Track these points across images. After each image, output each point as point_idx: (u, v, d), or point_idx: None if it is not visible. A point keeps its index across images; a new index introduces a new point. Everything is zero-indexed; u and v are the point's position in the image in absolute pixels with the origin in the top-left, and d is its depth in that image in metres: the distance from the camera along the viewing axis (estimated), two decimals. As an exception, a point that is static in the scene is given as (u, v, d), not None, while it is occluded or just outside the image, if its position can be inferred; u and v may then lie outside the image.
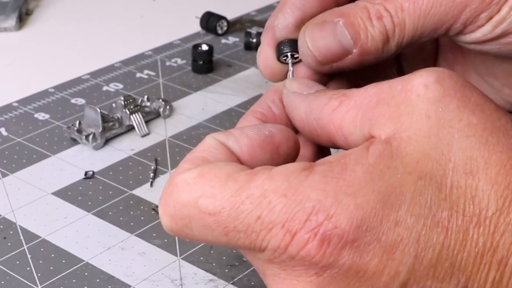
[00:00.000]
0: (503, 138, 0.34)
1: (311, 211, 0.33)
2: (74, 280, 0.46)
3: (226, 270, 0.47)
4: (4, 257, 0.47)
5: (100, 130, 0.57)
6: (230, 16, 0.75)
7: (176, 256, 0.48)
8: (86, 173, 0.55)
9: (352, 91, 0.37)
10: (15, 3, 0.77)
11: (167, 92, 0.65)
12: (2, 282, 0.46)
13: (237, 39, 0.74)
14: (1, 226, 0.50)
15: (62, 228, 0.50)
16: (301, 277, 0.34)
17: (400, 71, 0.48)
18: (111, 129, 0.58)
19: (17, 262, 0.47)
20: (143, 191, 0.53)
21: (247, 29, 0.74)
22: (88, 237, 0.49)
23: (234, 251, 0.48)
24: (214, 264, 0.47)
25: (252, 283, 0.46)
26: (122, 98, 0.59)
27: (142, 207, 0.52)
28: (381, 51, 0.40)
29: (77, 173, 0.55)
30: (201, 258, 0.48)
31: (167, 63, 0.69)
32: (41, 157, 0.56)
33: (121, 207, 0.52)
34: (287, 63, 0.43)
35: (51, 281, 0.46)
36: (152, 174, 0.55)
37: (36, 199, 0.52)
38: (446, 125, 0.34)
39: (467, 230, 0.33)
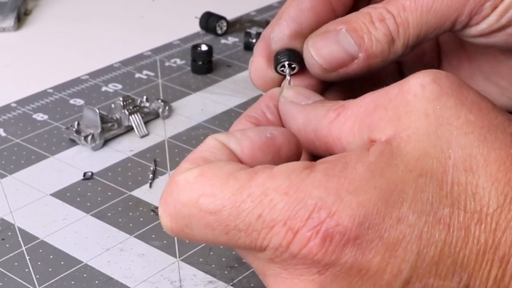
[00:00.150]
0: (501, 135, 0.34)
1: (313, 208, 0.33)
2: (72, 282, 0.46)
3: (226, 272, 0.47)
4: (3, 259, 0.47)
5: (99, 131, 0.57)
6: (230, 16, 0.75)
7: (175, 257, 0.48)
8: (85, 174, 0.55)
9: (350, 101, 0.37)
10: (14, 3, 0.76)
11: (166, 93, 0.65)
12: (1, 284, 0.45)
13: (236, 40, 0.73)
14: (0, 228, 0.50)
15: (60, 229, 0.50)
16: (303, 276, 0.34)
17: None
18: (110, 130, 0.58)
19: (16, 264, 0.47)
20: (142, 192, 0.53)
21: (247, 29, 0.73)
22: (87, 239, 0.49)
23: (234, 252, 0.48)
24: (213, 265, 0.47)
25: (252, 285, 0.46)
26: (121, 99, 0.59)
27: (141, 208, 0.52)
28: (387, 53, 0.41)
29: (75, 174, 0.55)
30: (201, 259, 0.47)
31: (166, 64, 0.69)
32: (39, 158, 0.56)
33: (120, 208, 0.52)
34: (285, 74, 0.43)
35: (49, 282, 0.46)
36: (151, 175, 0.55)
37: (34, 200, 0.52)
38: (444, 122, 0.34)
39: (469, 227, 0.33)
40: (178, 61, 0.69)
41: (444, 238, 0.33)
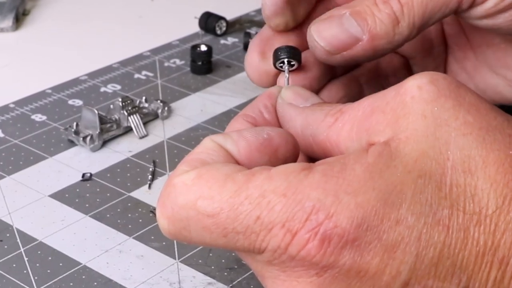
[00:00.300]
0: (499, 136, 0.34)
1: (311, 210, 0.33)
2: (71, 283, 0.45)
3: (225, 273, 0.46)
4: (1, 260, 0.47)
5: (97, 132, 0.57)
6: (229, 16, 0.75)
7: (175, 259, 0.47)
8: (83, 175, 0.54)
9: (347, 105, 0.37)
10: (12, 3, 0.76)
11: (165, 93, 0.64)
12: (-1, 286, 0.45)
13: (236, 40, 0.73)
14: (-2, 229, 0.50)
15: (59, 230, 0.50)
16: (301, 278, 0.34)
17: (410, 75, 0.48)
18: (108, 131, 0.58)
19: (14, 265, 0.47)
20: (141, 193, 0.53)
21: (247, 29, 0.73)
22: (85, 240, 0.49)
23: (233, 254, 0.47)
24: (213, 267, 0.47)
25: (251, 287, 0.45)
26: (120, 99, 0.59)
27: (140, 210, 0.51)
28: (392, 34, 0.40)
29: (74, 175, 0.55)
30: (200, 261, 0.47)
31: (166, 64, 0.69)
32: (38, 159, 0.56)
33: (119, 210, 0.51)
34: (283, 70, 0.42)
35: (48, 284, 0.45)
36: (150, 176, 0.54)
37: (33, 201, 0.52)
38: (442, 124, 0.34)
39: (468, 229, 0.33)
40: (178, 62, 0.69)
41: (443, 239, 0.33)
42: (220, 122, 0.61)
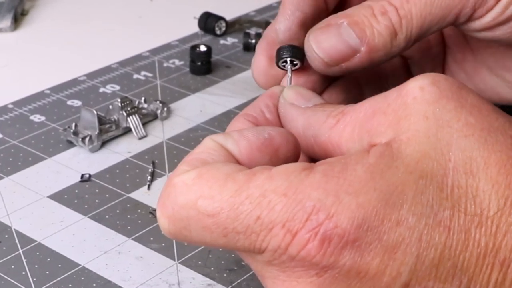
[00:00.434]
0: (501, 137, 0.34)
1: (311, 210, 0.33)
2: (70, 285, 0.45)
3: (225, 275, 0.46)
4: (-1, 262, 0.47)
5: (96, 132, 0.57)
6: (229, 16, 0.75)
7: (174, 260, 0.47)
8: (82, 176, 0.54)
9: (349, 107, 0.37)
10: (11, 3, 0.76)
11: (164, 94, 0.64)
12: (-3, 287, 0.45)
13: (235, 40, 0.73)
14: (-4, 230, 0.49)
15: (58, 231, 0.49)
16: (301, 278, 0.34)
17: (409, 76, 0.48)
18: (107, 131, 0.58)
19: (12, 267, 0.47)
20: (140, 194, 0.53)
21: (246, 29, 0.73)
22: (84, 241, 0.49)
23: (233, 255, 0.47)
24: (212, 268, 0.47)
25: (251, 288, 0.45)
26: (119, 100, 0.59)
27: (139, 211, 0.51)
28: (390, 46, 0.40)
29: (73, 176, 0.54)
30: (199, 262, 0.47)
31: (165, 64, 0.69)
32: (36, 159, 0.56)
33: (118, 211, 0.51)
34: (286, 69, 0.42)
35: (47, 285, 0.45)
36: (149, 177, 0.54)
37: (31, 202, 0.52)
38: (444, 125, 0.34)
39: (469, 230, 0.33)
40: (177, 62, 0.69)
41: (444, 241, 0.33)
42: (219, 123, 0.61)
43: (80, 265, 0.47)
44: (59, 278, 0.46)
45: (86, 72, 0.67)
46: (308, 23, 0.42)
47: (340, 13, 0.41)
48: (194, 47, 0.67)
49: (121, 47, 0.72)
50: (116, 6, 0.81)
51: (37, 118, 0.61)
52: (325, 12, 0.43)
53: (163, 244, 0.48)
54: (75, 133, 0.57)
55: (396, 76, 0.47)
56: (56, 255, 0.47)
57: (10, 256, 0.47)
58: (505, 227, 0.33)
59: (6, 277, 0.46)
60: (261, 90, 0.65)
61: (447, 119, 0.34)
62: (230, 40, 0.73)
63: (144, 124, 0.60)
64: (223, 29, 0.73)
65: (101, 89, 0.65)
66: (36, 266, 0.47)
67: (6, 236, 0.49)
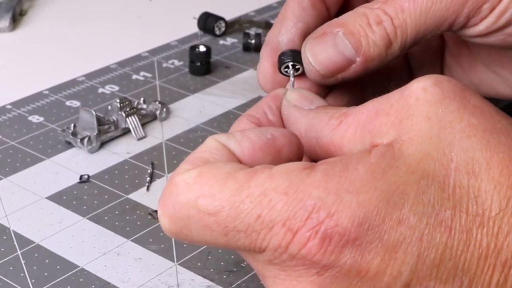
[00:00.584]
0: (504, 139, 0.34)
1: (312, 209, 0.33)
2: (69, 286, 0.45)
3: (224, 276, 0.46)
4: (-3, 263, 0.47)
5: (95, 133, 0.57)
6: (228, 16, 0.75)
7: (173, 261, 0.47)
8: (81, 177, 0.54)
9: (352, 109, 0.37)
10: (9, 4, 0.76)
11: (163, 94, 0.64)
12: (-5, 289, 0.45)
13: (235, 40, 0.73)
14: (-6, 231, 0.49)
15: (56, 233, 0.49)
16: (301, 277, 0.34)
17: (409, 70, 0.48)
18: (106, 132, 0.58)
19: (11, 268, 0.46)
20: (139, 196, 0.53)
21: (246, 30, 0.73)
22: (83, 242, 0.48)
23: (233, 257, 0.47)
24: (211, 270, 0.46)
25: (251, 290, 0.45)
26: (118, 101, 0.59)
27: (138, 212, 0.51)
28: (384, 55, 0.41)
29: (72, 177, 0.54)
30: (199, 264, 0.47)
31: (164, 65, 0.69)
32: (35, 160, 0.56)
33: (117, 212, 0.51)
34: (289, 75, 0.43)
35: (45, 287, 0.45)
36: (148, 178, 0.54)
37: (30, 203, 0.52)
38: (446, 126, 0.34)
39: (471, 230, 0.33)
40: (176, 62, 0.69)
41: (445, 240, 0.33)
42: (219, 123, 0.61)
43: (79, 266, 0.47)
44: (57, 280, 0.46)
45: (85, 73, 0.67)
46: (311, 33, 0.43)
47: (335, 21, 0.42)
48: (194, 48, 0.67)
49: (120, 47, 0.72)
50: (115, 6, 0.81)
51: (35, 118, 0.61)
52: (327, 20, 0.43)
53: (162, 246, 0.48)
54: (74, 134, 0.57)
55: (397, 71, 0.48)
56: (54, 257, 0.47)
57: (8, 258, 0.47)
58: (507, 228, 0.33)
59: (4, 278, 0.46)
60: (260, 91, 0.65)
61: (449, 120, 0.34)
62: (229, 40, 0.73)
63: (143, 125, 0.59)
64: (223, 29, 0.73)
65: (100, 90, 0.65)
66: (34, 267, 0.46)
67: (5, 237, 0.49)
